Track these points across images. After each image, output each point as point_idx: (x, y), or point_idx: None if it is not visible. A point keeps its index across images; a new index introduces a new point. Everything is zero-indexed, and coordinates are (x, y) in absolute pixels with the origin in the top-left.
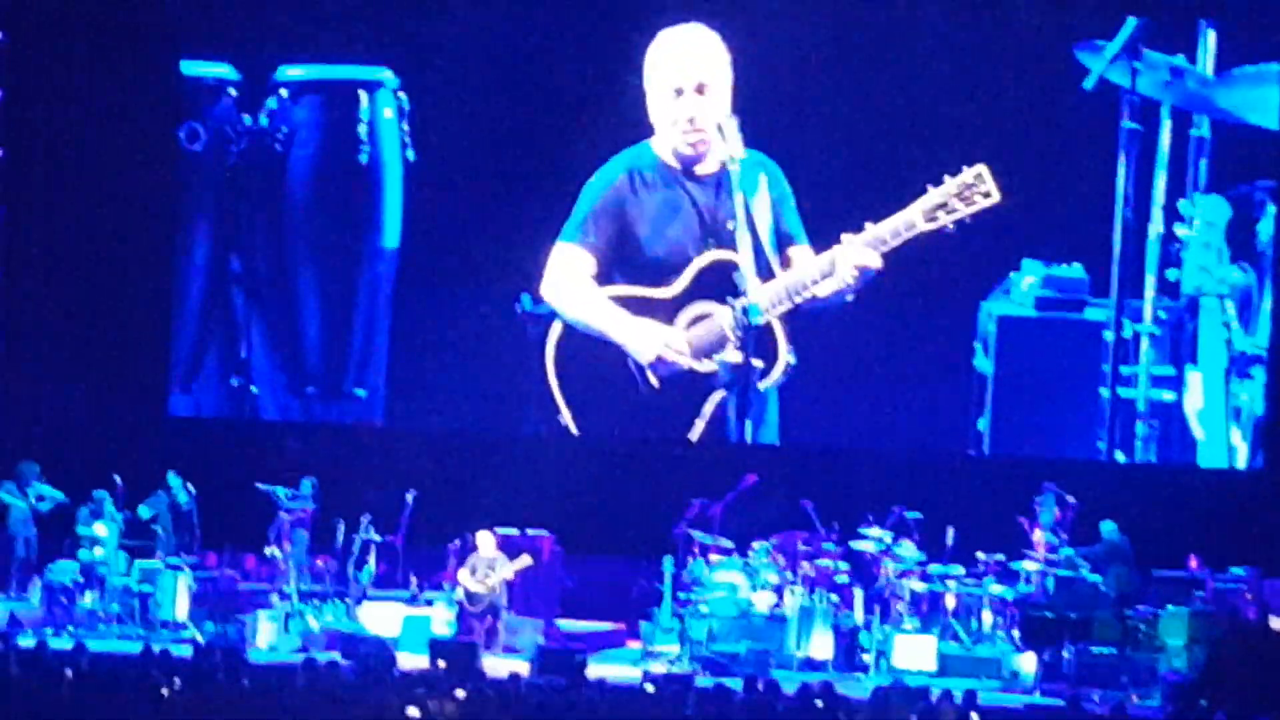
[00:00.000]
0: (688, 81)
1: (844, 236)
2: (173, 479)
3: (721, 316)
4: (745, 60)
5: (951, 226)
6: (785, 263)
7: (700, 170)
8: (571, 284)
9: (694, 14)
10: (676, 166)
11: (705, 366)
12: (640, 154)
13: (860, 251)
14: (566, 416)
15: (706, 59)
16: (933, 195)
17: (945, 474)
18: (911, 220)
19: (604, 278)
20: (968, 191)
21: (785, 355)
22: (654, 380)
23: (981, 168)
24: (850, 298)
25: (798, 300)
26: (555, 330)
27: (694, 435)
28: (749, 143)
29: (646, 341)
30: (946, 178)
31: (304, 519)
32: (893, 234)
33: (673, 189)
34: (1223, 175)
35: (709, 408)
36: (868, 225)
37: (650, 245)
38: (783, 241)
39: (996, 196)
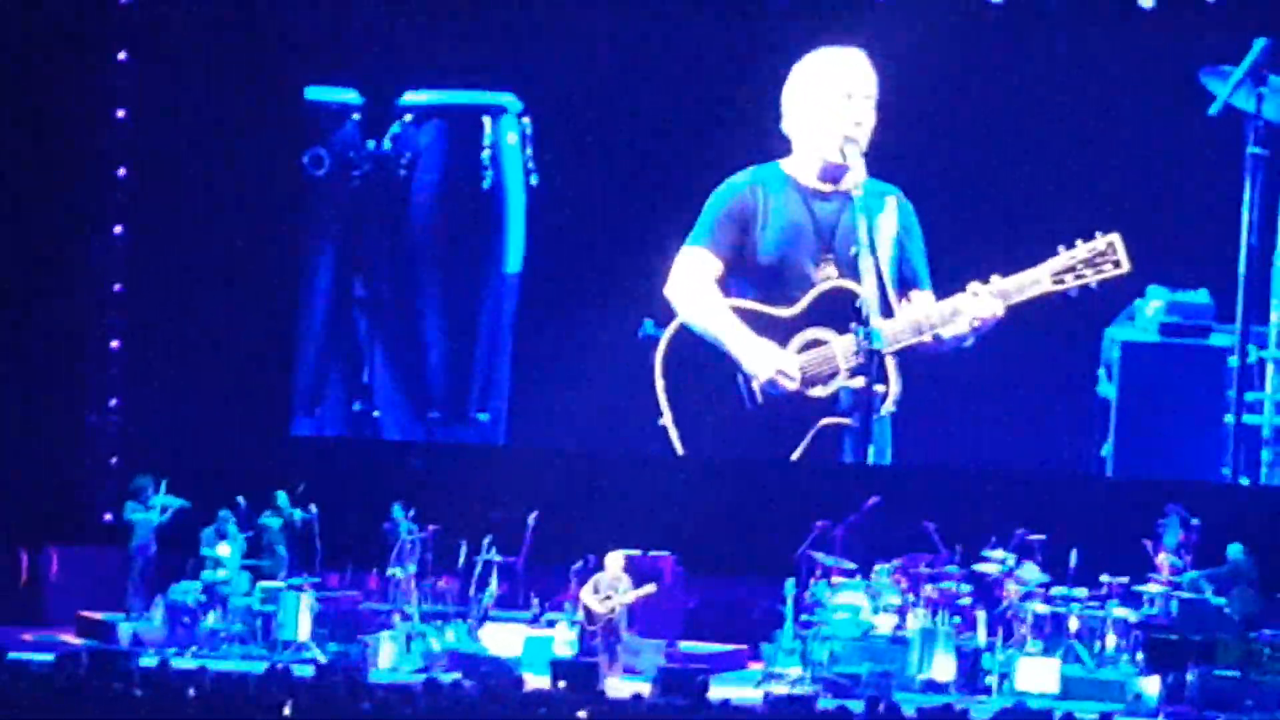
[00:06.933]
0: (859, 89)
1: (970, 286)
2: (281, 498)
3: (835, 345)
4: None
5: (1075, 292)
6: (906, 302)
7: (828, 190)
8: (696, 287)
9: (819, 40)
10: (810, 185)
11: (813, 393)
12: (769, 171)
13: (986, 303)
14: (670, 425)
15: (869, 74)
16: (1062, 258)
17: (1068, 496)
18: (1038, 279)
19: (725, 284)
20: (1098, 259)
21: (896, 385)
22: (760, 398)
23: (1114, 237)
24: (970, 342)
25: (922, 338)
26: (664, 339)
27: (795, 456)
28: (884, 175)
29: (762, 362)
30: (1079, 242)
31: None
32: (1018, 289)
33: (797, 207)
34: None
35: (812, 432)
36: (994, 278)
37: (770, 259)
38: (905, 281)
39: (1126, 267)
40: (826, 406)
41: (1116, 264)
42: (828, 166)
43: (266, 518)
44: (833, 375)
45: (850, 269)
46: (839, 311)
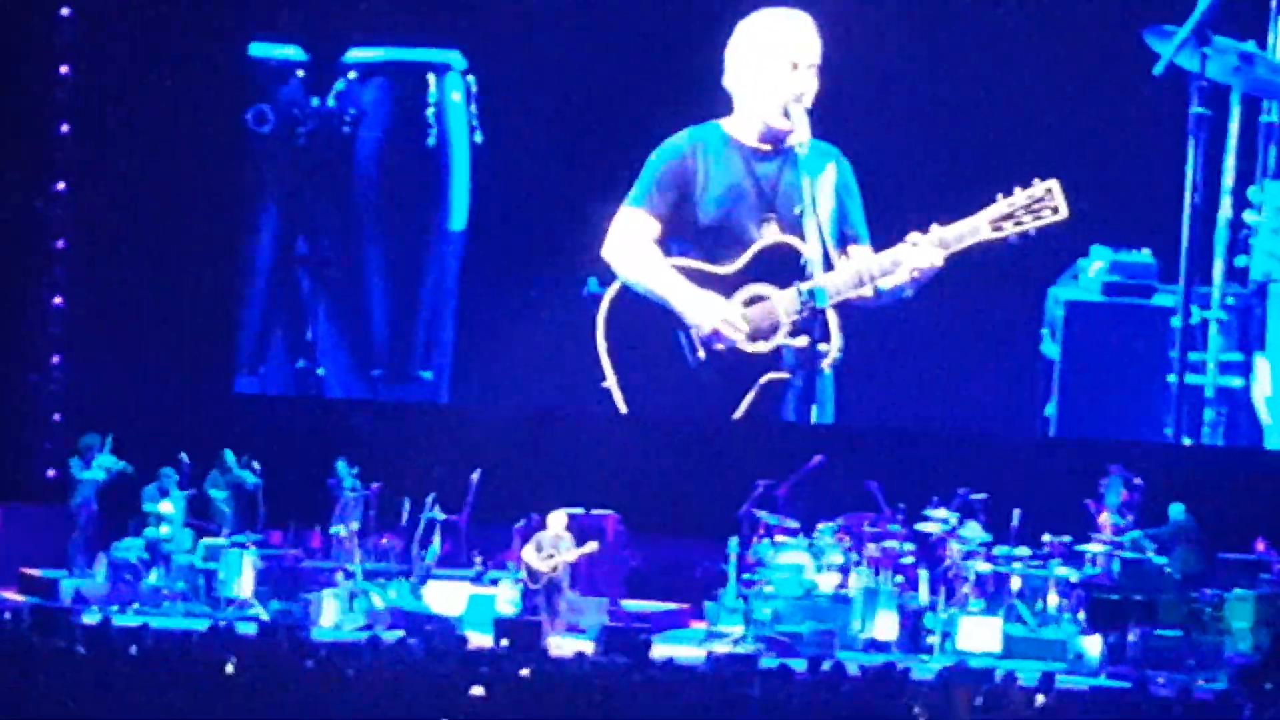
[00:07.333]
0: (804, 58)
1: (909, 236)
2: (229, 457)
3: (777, 301)
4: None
5: (1015, 239)
6: (845, 257)
7: (769, 151)
8: (635, 247)
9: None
10: (750, 144)
11: (754, 348)
12: (709, 131)
13: (925, 252)
14: (614, 387)
15: (815, 42)
16: (1000, 205)
17: (1011, 455)
18: (977, 227)
19: (665, 245)
20: (1036, 205)
21: (838, 340)
22: (702, 353)
23: (1053, 183)
24: (909, 293)
25: (862, 291)
26: (606, 300)
27: (737, 414)
28: (825, 132)
29: (706, 312)
30: (1017, 189)
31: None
32: (957, 239)
33: (738, 165)
34: None
35: (755, 388)
36: (933, 227)
37: (710, 219)
38: (845, 238)
39: (1065, 213)
40: (769, 362)
41: (1055, 210)
42: (770, 129)
43: (211, 488)
44: (774, 329)
45: (792, 228)
46: (779, 267)
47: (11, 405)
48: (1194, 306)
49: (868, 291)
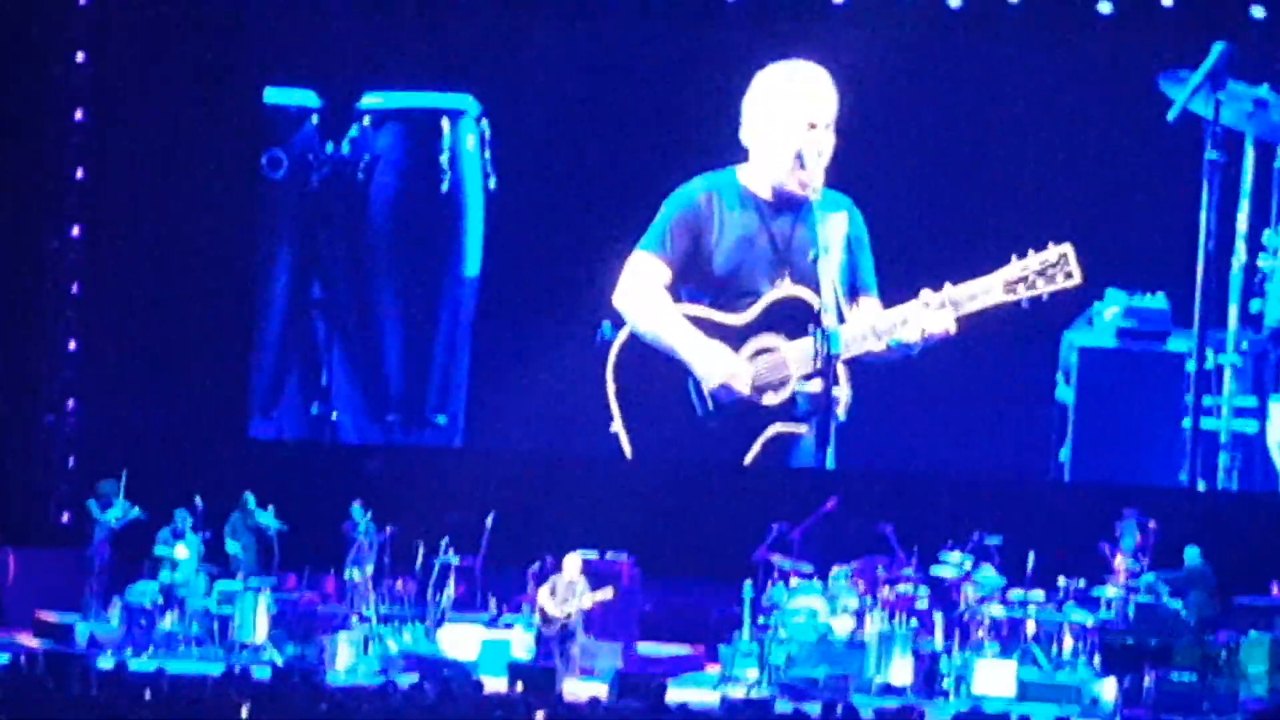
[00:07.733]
0: (822, 117)
1: (923, 292)
2: (250, 500)
3: (786, 352)
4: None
5: (1026, 304)
6: (855, 307)
7: (783, 205)
8: (646, 294)
9: (776, 47)
10: (764, 196)
11: (765, 400)
12: (724, 178)
13: (937, 316)
14: (621, 432)
15: (832, 99)
16: (1014, 268)
17: (1026, 499)
18: (990, 288)
19: (675, 291)
20: (1050, 270)
21: (847, 390)
22: (710, 403)
23: (1067, 247)
24: (917, 351)
25: (873, 345)
26: (615, 345)
27: (747, 460)
28: (839, 182)
29: (714, 366)
30: (1031, 253)
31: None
32: (969, 298)
33: (751, 217)
34: None
35: (764, 436)
36: (946, 286)
37: (722, 268)
38: (854, 289)
39: (1078, 279)
40: (779, 412)
41: (1069, 274)
42: (785, 186)
43: (231, 535)
44: (784, 382)
45: (805, 278)
46: (789, 319)
47: (26, 449)
48: (1208, 350)
49: (879, 345)
